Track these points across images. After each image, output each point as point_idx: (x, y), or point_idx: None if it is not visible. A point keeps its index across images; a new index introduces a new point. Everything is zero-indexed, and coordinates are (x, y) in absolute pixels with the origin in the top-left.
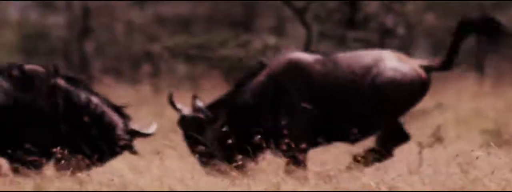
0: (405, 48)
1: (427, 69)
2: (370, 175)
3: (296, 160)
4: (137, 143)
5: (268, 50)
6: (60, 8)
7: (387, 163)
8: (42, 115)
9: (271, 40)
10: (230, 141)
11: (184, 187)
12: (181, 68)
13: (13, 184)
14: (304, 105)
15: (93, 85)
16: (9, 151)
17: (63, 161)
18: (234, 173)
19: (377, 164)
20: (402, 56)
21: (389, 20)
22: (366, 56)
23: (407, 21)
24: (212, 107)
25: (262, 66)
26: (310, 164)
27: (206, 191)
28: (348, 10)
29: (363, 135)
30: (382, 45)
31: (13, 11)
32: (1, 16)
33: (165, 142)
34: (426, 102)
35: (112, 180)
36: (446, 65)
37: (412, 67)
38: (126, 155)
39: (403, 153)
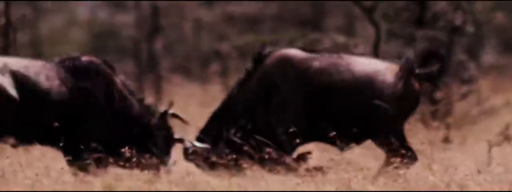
0: (474, 46)
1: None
2: (439, 174)
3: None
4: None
5: (337, 49)
6: (130, 7)
7: (456, 162)
8: (100, 109)
9: (340, 39)
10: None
11: (254, 186)
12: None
13: (83, 183)
14: (295, 101)
15: (162, 84)
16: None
17: (133, 160)
18: (304, 171)
19: (445, 163)
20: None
21: (458, 19)
22: (366, 62)
23: (475, 19)
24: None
25: (261, 56)
26: (378, 163)
27: (276, 191)
28: (417, 9)
29: (361, 135)
30: (450, 44)
31: (83, 10)
32: (71, 15)
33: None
34: (495, 100)
35: (182, 178)
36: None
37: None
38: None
39: (472, 152)
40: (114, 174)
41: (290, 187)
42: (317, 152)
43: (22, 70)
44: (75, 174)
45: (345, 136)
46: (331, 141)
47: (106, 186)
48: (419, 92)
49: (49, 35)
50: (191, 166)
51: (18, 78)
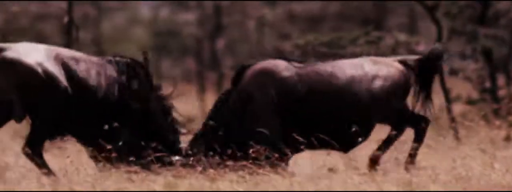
0: None
1: (404, 63)
2: (500, 173)
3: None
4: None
5: (399, 47)
6: (192, 6)
7: None
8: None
9: (402, 37)
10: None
11: (314, 186)
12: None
13: (144, 182)
14: (269, 112)
15: (224, 82)
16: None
17: (192, 158)
18: (365, 170)
19: (507, 162)
20: (377, 59)
21: None
22: (347, 64)
23: None
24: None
25: (243, 68)
26: (440, 162)
27: (337, 190)
28: (479, 7)
29: (354, 139)
30: None
31: (145, 9)
32: (133, 14)
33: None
34: None
35: (243, 177)
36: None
37: (391, 65)
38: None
39: None
40: (176, 172)
41: (351, 186)
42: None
43: (72, 62)
44: (136, 173)
45: (336, 140)
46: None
47: (167, 185)
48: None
49: (111, 33)
50: (253, 165)
51: (69, 70)
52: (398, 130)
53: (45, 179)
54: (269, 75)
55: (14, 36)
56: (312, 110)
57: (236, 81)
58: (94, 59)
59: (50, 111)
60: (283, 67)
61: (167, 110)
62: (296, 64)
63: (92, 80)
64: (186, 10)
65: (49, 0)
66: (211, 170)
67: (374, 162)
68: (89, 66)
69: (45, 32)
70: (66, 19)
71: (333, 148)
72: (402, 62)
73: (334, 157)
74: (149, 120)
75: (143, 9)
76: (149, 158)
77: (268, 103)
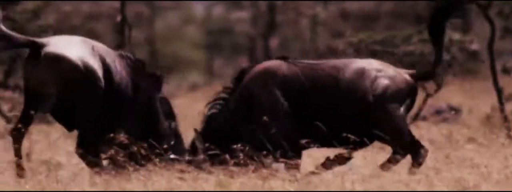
0: None
1: (412, 75)
2: None
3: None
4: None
5: (453, 45)
6: (246, 4)
7: None
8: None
9: (455, 36)
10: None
11: (365, 185)
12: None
13: (196, 181)
14: (274, 111)
15: None
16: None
17: (241, 157)
18: (412, 169)
19: None
20: (385, 64)
21: None
22: (351, 63)
23: None
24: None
25: (242, 73)
26: (493, 161)
27: (389, 190)
28: None
29: (359, 140)
30: None
31: (199, 8)
32: (187, 12)
33: (352, 137)
34: None
35: (296, 176)
36: (428, 75)
37: (398, 72)
38: (310, 151)
39: None
40: (227, 171)
41: (402, 185)
42: (431, 150)
43: (105, 55)
44: (188, 172)
45: (340, 139)
46: (334, 143)
47: (219, 184)
48: (414, 87)
49: (164, 32)
50: (306, 164)
51: (103, 63)
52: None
53: (97, 178)
54: (271, 74)
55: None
56: (313, 109)
57: (237, 81)
58: (113, 51)
59: (92, 107)
60: (285, 67)
61: (169, 112)
62: (298, 64)
63: (119, 73)
64: (240, 8)
65: (101, 0)
66: (264, 170)
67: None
68: (114, 59)
69: (97, 31)
70: (118, 18)
71: (338, 146)
72: (412, 75)
73: (386, 156)
74: (153, 118)
75: (196, 8)
76: (201, 157)
77: (272, 102)
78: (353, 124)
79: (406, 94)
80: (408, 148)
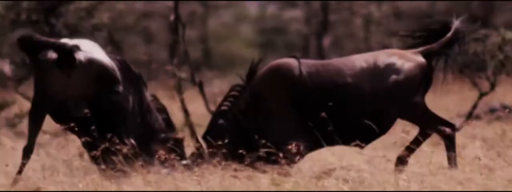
0: None
1: (426, 53)
2: None
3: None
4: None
5: (506, 44)
6: (299, 3)
7: None
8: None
9: (509, 34)
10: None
11: (419, 184)
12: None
13: (249, 179)
14: (282, 111)
15: None
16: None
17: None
18: (471, 168)
19: None
20: (396, 51)
21: None
22: (360, 58)
23: None
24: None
25: (254, 70)
26: None
27: (440, 191)
28: None
29: (372, 134)
30: None
31: (252, 6)
32: (240, 11)
33: (403, 135)
34: None
35: (348, 174)
36: (432, 52)
37: (407, 58)
38: (364, 149)
39: None
40: (281, 170)
41: (456, 184)
42: (484, 149)
43: (113, 58)
44: (242, 170)
45: (353, 135)
46: (345, 142)
47: (273, 182)
48: (425, 65)
49: (218, 31)
50: (359, 163)
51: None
52: (423, 128)
53: (151, 177)
54: (280, 73)
55: (120, 34)
56: (322, 107)
57: (248, 79)
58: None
59: (121, 107)
60: (295, 65)
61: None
62: (307, 62)
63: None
64: (293, 7)
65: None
66: (316, 168)
67: (401, 162)
68: (113, 62)
69: (151, 30)
70: (172, 17)
71: (348, 143)
72: (425, 52)
73: (439, 154)
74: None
75: (250, 6)
76: (256, 155)
77: (281, 101)
78: (361, 121)
79: (419, 77)
80: (432, 126)
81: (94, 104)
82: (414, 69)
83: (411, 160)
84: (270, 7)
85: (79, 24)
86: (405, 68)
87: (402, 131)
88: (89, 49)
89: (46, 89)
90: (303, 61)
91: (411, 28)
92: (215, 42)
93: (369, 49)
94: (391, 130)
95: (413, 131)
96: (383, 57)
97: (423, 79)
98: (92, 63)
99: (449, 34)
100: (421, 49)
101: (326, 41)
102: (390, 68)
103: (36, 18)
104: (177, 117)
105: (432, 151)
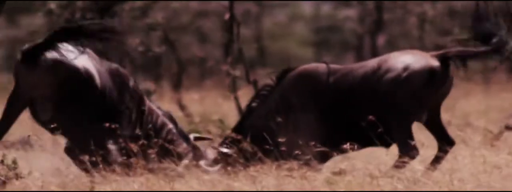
0: None
1: (442, 58)
2: None
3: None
4: (429, 135)
5: None
6: (353, 2)
7: None
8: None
9: None
10: None
11: (475, 182)
12: (473, 61)
13: (304, 178)
14: (309, 116)
15: None
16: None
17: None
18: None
19: None
20: (412, 51)
21: None
22: (371, 61)
23: None
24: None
25: (285, 73)
26: None
27: (493, 191)
28: None
29: (387, 136)
30: None
31: (306, 5)
32: (295, 9)
33: (458, 134)
34: None
35: (404, 173)
36: (445, 57)
37: (419, 59)
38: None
39: None
40: (337, 168)
41: (509, 183)
42: None
43: (98, 62)
44: (296, 169)
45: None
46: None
47: (327, 181)
48: (449, 76)
49: (272, 30)
50: (413, 163)
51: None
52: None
53: (205, 177)
54: (307, 79)
55: (175, 33)
56: (344, 112)
57: (278, 80)
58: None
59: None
60: (322, 71)
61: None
62: (333, 67)
63: (103, 78)
64: (348, 5)
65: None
66: (371, 167)
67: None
68: (98, 63)
69: (205, 28)
70: (227, 16)
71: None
72: (442, 56)
73: (495, 154)
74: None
75: (304, 6)
76: (310, 154)
77: (307, 107)
78: (381, 123)
79: (424, 79)
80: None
81: (59, 108)
82: (420, 71)
83: (466, 159)
84: (325, 7)
85: (133, 23)
86: (414, 70)
87: (458, 130)
88: (74, 55)
89: (16, 87)
90: (330, 66)
91: (465, 27)
92: (270, 41)
93: (423, 48)
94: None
95: (468, 129)
96: (395, 57)
97: (431, 82)
98: (59, 66)
99: (486, 49)
100: (439, 52)
101: (380, 40)
102: (390, 74)
103: (91, 17)
104: (231, 116)
105: (486, 148)
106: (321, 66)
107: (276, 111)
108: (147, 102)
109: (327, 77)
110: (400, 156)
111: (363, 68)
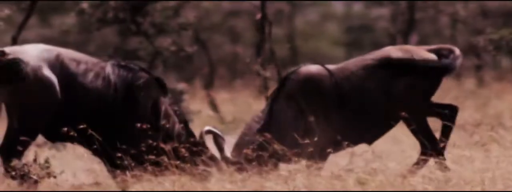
0: None
1: (437, 52)
2: None
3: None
4: (461, 134)
5: None
6: (386, 1)
7: None
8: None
9: None
10: None
11: (505, 182)
12: (505, 61)
13: (334, 178)
14: (317, 114)
15: None
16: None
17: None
18: None
19: None
20: (407, 47)
21: None
22: (367, 57)
23: None
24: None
25: (290, 74)
26: None
27: (499, 190)
28: None
29: (382, 132)
30: None
31: (338, 4)
32: (327, 9)
33: (490, 134)
34: None
35: (433, 173)
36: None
37: (415, 54)
38: (448, 147)
39: None
40: (369, 168)
41: None
42: None
43: (72, 65)
44: (325, 169)
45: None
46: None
47: (358, 181)
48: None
49: (304, 29)
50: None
51: (67, 73)
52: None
53: (237, 175)
54: (312, 81)
55: (206, 33)
56: (345, 110)
57: (282, 84)
58: (97, 61)
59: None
60: (324, 73)
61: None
62: (331, 68)
63: (90, 83)
64: (380, 5)
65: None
66: (402, 167)
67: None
68: (90, 68)
69: (237, 28)
70: (259, 16)
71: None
72: (435, 51)
73: None
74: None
75: (336, 5)
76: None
77: (312, 106)
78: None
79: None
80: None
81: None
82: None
83: (496, 159)
84: (356, 6)
85: (165, 23)
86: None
87: (491, 129)
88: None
89: None
90: (327, 67)
91: (497, 27)
92: (302, 40)
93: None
94: (476, 129)
95: (500, 129)
96: (392, 52)
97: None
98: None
99: (438, 64)
100: (432, 47)
101: (413, 39)
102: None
103: (123, 16)
104: None
105: None
106: (320, 68)
107: (284, 112)
108: (166, 107)
109: (331, 77)
110: (425, 153)
111: (363, 68)
